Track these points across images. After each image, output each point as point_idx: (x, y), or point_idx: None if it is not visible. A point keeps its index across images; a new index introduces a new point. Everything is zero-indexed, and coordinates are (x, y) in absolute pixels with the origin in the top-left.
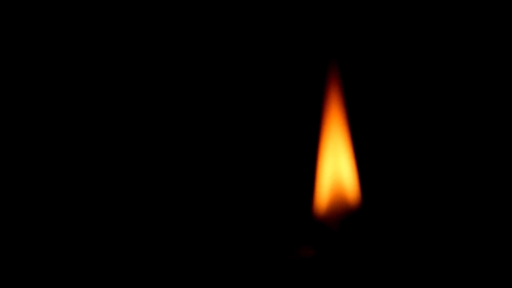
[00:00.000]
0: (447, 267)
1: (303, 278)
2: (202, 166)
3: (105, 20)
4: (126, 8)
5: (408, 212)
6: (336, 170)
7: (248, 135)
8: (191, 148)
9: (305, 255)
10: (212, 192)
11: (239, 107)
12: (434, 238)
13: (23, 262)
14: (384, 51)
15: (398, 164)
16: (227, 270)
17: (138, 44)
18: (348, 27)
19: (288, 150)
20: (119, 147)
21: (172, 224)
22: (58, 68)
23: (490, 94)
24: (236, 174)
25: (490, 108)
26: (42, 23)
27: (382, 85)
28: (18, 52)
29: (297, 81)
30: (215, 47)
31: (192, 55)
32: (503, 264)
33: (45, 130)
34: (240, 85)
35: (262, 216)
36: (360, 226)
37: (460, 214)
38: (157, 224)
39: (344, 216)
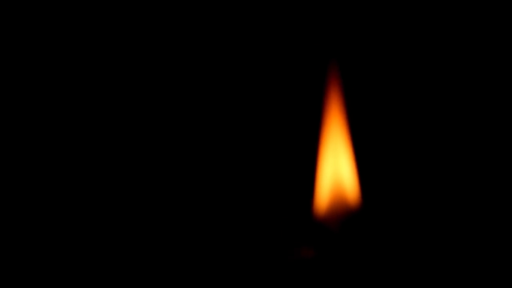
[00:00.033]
0: (447, 267)
1: (303, 279)
2: (203, 167)
3: (105, 20)
4: (126, 8)
5: (408, 213)
6: (336, 171)
7: (248, 136)
8: (192, 148)
9: (305, 256)
10: (212, 193)
11: (239, 108)
12: (434, 239)
13: (23, 262)
14: (384, 51)
15: (398, 165)
16: (227, 270)
17: (138, 44)
18: (348, 27)
19: (288, 151)
20: (119, 147)
21: (172, 224)
22: (58, 68)
23: (490, 94)
24: (237, 175)
25: (490, 108)
26: (42, 23)
27: (382, 85)
28: (18, 52)
29: (297, 81)
30: (215, 47)
31: (192, 55)
32: (503, 264)
33: (45, 130)
34: (240, 85)
35: (262, 216)
36: (360, 227)
37: (460, 215)
38: (157, 224)
39: (344, 217)
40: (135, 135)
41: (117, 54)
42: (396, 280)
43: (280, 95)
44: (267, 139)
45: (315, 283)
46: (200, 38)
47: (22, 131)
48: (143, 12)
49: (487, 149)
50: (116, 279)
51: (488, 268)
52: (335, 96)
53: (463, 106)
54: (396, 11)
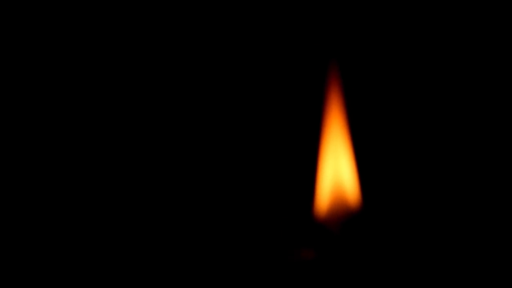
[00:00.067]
0: (447, 268)
1: (303, 280)
2: (203, 168)
3: (105, 20)
4: (126, 8)
5: (409, 214)
6: (337, 172)
7: (249, 137)
8: (192, 149)
9: (306, 257)
10: (213, 194)
11: (240, 108)
12: (434, 240)
13: (23, 262)
14: (384, 51)
15: (399, 167)
16: (227, 271)
17: (138, 44)
18: (348, 27)
19: (288, 152)
20: (119, 147)
21: (172, 224)
22: (58, 68)
23: (490, 94)
24: (237, 176)
25: (490, 108)
26: (42, 23)
27: (382, 85)
28: (18, 52)
29: (298, 82)
30: (215, 47)
31: (192, 55)
32: (503, 264)
33: (45, 130)
34: (240, 85)
35: (263, 218)
36: (361, 228)
37: (460, 216)
38: (157, 224)
39: (344, 218)
40: (135, 135)
41: (117, 54)
42: (396, 281)
43: (280, 95)
44: (267, 140)
45: (315, 284)
46: (200, 38)
47: (22, 131)
48: (143, 12)
49: (487, 149)
50: (116, 279)
51: (488, 268)
52: (335, 96)
53: (463, 106)
54: (396, 11)
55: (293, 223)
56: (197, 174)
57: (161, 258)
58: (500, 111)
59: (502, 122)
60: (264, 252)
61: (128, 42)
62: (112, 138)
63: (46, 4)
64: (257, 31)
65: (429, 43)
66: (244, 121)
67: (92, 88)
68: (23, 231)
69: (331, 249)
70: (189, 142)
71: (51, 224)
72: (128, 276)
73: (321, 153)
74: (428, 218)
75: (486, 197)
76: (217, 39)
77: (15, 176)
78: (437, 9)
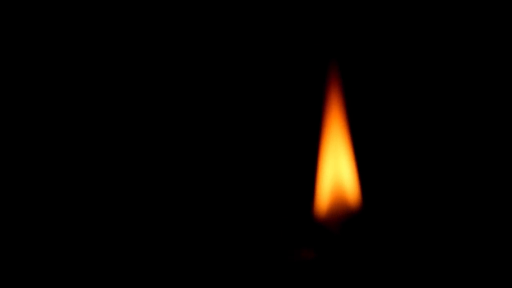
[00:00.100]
0: (447, 268)
1: (303, 280)
2: (203, 168)
3: (105, 20)
4: (126, 8)
5: (409, 214)
6: (337, 172)
7: (249, 137)
8: (192, 149)
9: (306, 257)
10: (213, 194)
11: (240, 108)
12: (434, 240)
13: (23, 262)
14: (384, 51)
15: (399, 167)
16: (227, 271)
17: (138, 44)
18: (348, 27)
19: (288, 152)
20: (119, 147)
21: (172, 224)
22: (58, 68)
23: (490, 94)
24: (237, 176)
25: (490, 108)
26: (42, 23)
27: (382, 85)
28: (18, 52)
29: (298, 82)
30: (215, 47)
31: (192, 55)
32: (503, 264)
33: (45, 130)
34: (240, 85)
35: (263, 218)
36: (361, 228)
37: (460, 216)
38: (157, 224)
39: (344, 218)
40: (135, 135)
41: (117, 54)
42: (396, 281)
43: (280, 95)
44: (267, 140)
45: (315, 284)
46: (200, 38)
47: (22, 131)
48: (143, 12)
49: (487, 149)
50: (116, 279)
51: (488, 268)
52: (335, 96)
53: (463, 106)
54: (396, 11)
55: (293, 223)
56: (197, 174)
57: (161, 258)
58: (500, 111)
59: (502, 122)
60: (264, 252)
61: (128, 42)
62: (112, 138)
63: (46, 4)
64: (257, 31)
65: (429, 43)
66: (244, 121)
67: (92, 88)
68: (23, 231)
69: (331, 249)
70: (189, 142)
71: (51, 224)
72: (128, 276)
73: (321, 153)
74: (428, 218)
75: (486, 197)
76: (217, 39)
77: (15, 176)
78: (437, 9)
